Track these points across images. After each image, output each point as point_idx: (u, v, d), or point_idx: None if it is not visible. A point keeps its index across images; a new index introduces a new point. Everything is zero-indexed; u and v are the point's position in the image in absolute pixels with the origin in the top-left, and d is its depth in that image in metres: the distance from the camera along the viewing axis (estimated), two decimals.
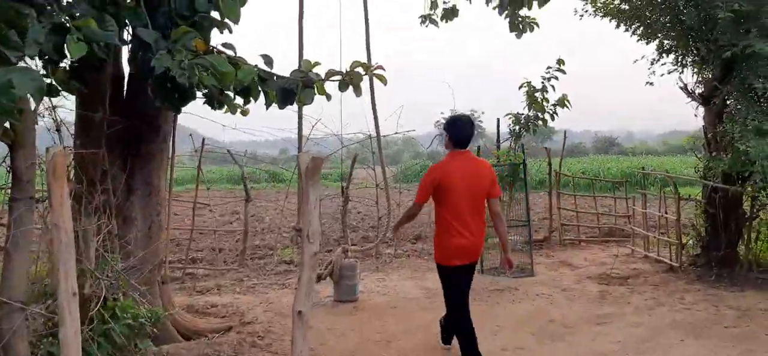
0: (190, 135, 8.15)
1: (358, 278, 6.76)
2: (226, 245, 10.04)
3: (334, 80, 3.94)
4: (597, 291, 6.87)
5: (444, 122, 4.89)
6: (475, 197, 4.44)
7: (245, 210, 8.42)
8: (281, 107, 4.94)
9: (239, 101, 5.44)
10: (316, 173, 3.13)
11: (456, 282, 4.57)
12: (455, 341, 4.88)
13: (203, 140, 7.46)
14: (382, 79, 4.02)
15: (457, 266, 4.48)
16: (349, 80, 3.83)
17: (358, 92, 3.93)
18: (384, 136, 7.23)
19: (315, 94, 4.03)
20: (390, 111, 7.28)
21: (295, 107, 6.07)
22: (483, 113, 30.95)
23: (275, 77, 4.28)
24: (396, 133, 9.01)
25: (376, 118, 6.30)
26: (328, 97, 4.14)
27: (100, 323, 3.99)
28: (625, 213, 10.71)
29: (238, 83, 3.98)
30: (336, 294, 6.65)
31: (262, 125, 8.09)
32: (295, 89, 4.10)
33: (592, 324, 5.76)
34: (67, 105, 4.78)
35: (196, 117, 6.63)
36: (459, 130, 4.52)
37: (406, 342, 5.40)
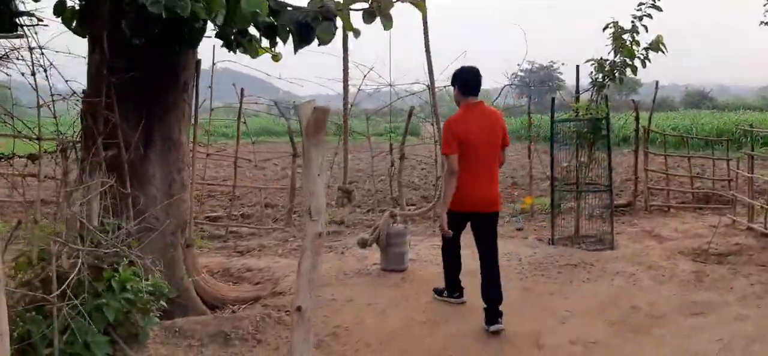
0: (233, 84, 7.56)
1: (408, 245, 6.01)
2: (280, 201, 9.55)
3: (357, 9, 3.11)
4: (691, 271, 5.77)
5: (453, 75, 4.72)
6: (491, 148, 4.55)
7: (293, 166, 7.83)
8: (297, 47, 4.20)
9: (266, 43, 4.79)
10: (320, 130, 2.35)
11: (456, 223, 4.70)
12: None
13: (242, 89, 6.84)
14: (421, 7, 3.17)
15: (464, 212, 4.62)
16: (376, 8, 3.00)
17: (388, 23, 3.13)
18: (441, 87, 6.36)
19: (336, 28, 3.25)
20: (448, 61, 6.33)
21: (339, 52, 5.34)
22: (563, 64, 28.90)
23: (288, 9, 3.51)
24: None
25: (429, 62, 5.42)
26: (356, 33, 3.36)
27: (93, 297, 3.46)
28: (726, 177, 9.31)
29: (243, 18, 3.27)
30: (383, 261, 5.94)
31: (313, 74, 7.40)
32: (311, 23, 3.33)
33: (685, 315, 4.75)
34: None
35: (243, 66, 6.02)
36: (471, 77, 4.55)
37: (456, 326, 4.63)
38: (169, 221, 4.74)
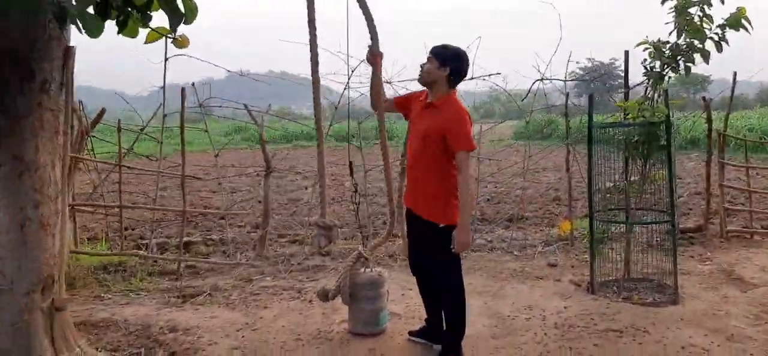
0: (192, 84, 6.17)
1: (385, 298, 4.40)
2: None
3: None
4: None
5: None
6: None
7: (265, 184, 6.36)
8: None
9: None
10: None
11: None
12: None
13: (182, 89, 5.43)
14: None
15: None
16: None
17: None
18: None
19: None
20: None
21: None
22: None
23: None
24: (485, 77, 6.47)
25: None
26: None
27: None
28: None
29: None
30: (350, 322, 4.38)
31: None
32: None
33: None
34: None
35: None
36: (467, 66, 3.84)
37: None
38: (27, 276, 3.37)
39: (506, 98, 8.10)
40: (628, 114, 4.93)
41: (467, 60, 3.82)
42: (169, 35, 3.58)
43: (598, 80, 23.78)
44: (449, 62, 3.71)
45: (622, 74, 5.66)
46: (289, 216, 8.79)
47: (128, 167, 5.93)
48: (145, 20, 3.30)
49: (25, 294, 3.39)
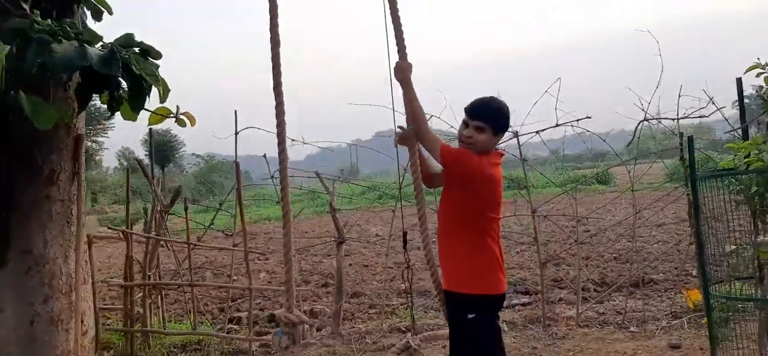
0: (264, 155, 6.06)
1: None
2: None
3: None
4: None
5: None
6: None
7: (338, 256, 5.98)
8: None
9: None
10: None
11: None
12: None
13: (236, 163, 5.25)
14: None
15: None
16: None
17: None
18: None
19: None
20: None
21: None
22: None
23: None
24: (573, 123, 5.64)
25: None
26: None
27: None
28: None
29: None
30: None
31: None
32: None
33: None
34: None
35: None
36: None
37: None
38: None
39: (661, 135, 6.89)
40: (735, 157, 3.84)
41: (505, 107, 3.19)
42: (172, 115, 3.41)
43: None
44: (502, 127, 3.15)
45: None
46: (358, 285, 8.36)
47: (194, 245, 5.88)
48: (136, 101, 3.10)
49: None
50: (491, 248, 3.04)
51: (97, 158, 38.80)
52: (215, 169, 41.02)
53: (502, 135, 3.24)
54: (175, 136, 45.89)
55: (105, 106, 3.25)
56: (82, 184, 3.53)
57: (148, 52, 3.04)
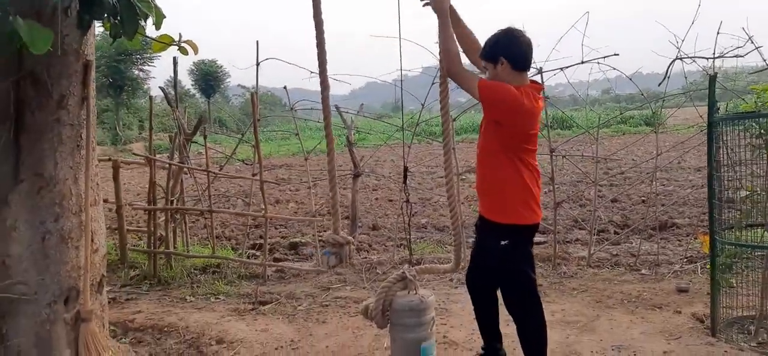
0: (284, 87, 6.10)
1: (429, 328, 3.80)
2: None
3: None
4: None
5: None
6: None
7: (353, 188, 6.07)
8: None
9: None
10: None
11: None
12: None
13: (252, 94, 5.31)
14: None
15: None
16: None
17: None
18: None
19: None
20: None
21: None
22: None
23: None
24: (599, 60, 5.48)
25: None
26: None
27: None
28: None
29: None
30: (390, 350, 3.87)
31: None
32: None
33: None
34: None
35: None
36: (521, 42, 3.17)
37: None
38: (49, 287, 3.47)
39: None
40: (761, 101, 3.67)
41: (517, 35, 3.16)
42: (175, 43, 3.45)
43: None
44: (500, 53, 3.12)
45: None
46: (380, 218, 8.47)
47: (214, 173, 6.05)
48: (128, 27, 3.14)
49: (47, 305, 3.49)
50: (525, 181, 3.15)
51: (145, 87, 39.44)
52: (260, 100, 41.57)
53: (524, 65, 3.18)
54: (221, 67, 46.31)
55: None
56: (92, 109, 3.64)
57: None
